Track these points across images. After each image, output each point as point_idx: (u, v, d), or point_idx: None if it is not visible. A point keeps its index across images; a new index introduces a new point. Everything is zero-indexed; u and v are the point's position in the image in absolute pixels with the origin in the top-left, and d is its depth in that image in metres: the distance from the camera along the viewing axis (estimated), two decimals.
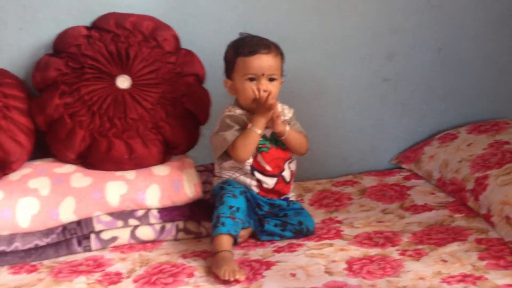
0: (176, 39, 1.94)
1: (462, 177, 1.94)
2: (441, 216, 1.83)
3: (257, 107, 1.68)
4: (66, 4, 1.93)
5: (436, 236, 1.68)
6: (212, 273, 1.52)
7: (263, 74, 1.68)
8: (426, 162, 2.15)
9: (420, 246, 1.62)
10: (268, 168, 1.72)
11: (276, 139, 1.75)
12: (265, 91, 1.67)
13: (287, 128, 1.74)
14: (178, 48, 1.94)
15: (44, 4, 1.91)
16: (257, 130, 1.67)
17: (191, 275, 1.52)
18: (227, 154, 1.72)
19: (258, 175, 1.72)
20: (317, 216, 1.91)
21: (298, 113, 2.13)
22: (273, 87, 1.69)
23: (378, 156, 2.33)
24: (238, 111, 1.73)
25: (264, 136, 1.73)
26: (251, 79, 1.69)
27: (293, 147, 1.78)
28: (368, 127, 2.30)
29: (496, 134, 2.08)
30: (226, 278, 1.45)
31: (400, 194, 2.03)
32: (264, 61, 1.68)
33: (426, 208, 1.90)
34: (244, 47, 1.70)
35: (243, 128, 1.70)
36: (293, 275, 1.49)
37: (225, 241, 1.56)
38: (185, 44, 1.99)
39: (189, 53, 1.95)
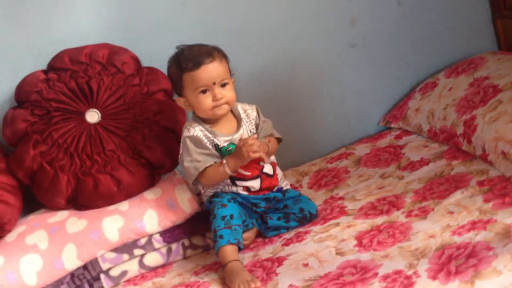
0: (135, 59, 1.91)
1: (450, 123, 1.92)
2: (439, 167, 1.81)
3: (238, 152, 1.59)
4: (18, 52, 1.90)
5: (438, 189, 1.66)
6: (226, 284, 1.50)
7: (214, 83, 1.62)
8: (413, 117, 2.13)
9: (424, 203, 1.60)
10: (246, 173, 1.68)
11: None
12: (249, 143, 1.57)
13: (269, 147, 1.68)
14: (139, 68, 1.90)
15: None
16: (230, 172, 1.61)
17: None
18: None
19: (240, 182, 1.69)
20: (319, 197, 1.89)
21: (277, 99, 2.12)
22: (227, 92, 1.65)
23: (365, 122, 2.31)
24: (197, 128, 1.67)
25: (234, 145, 1.68)
26: (204, 91, 1.63)
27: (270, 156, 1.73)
28: (349, 96, 2.28)
29: (475, 72, 2.06)
30: None
31: (394, 155, 2.00)
32: (211, 70, 1.61)
33: (423, 162, 1.88)
34: (186, 61, 1.62)
35: (204, 148, 1.66)
36: (306, 265, 1.47)
37: (229, 252, 1.54)
38: (148, 62, 1.96)
39: (151, 71, 1.91)
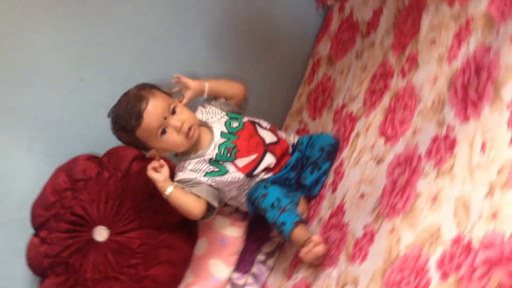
0: (90, 157, 1.82)
1: None
2: (392, 5, 1.66)
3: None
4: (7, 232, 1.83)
5: (407, 28, 1.52)
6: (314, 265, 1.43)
7: (165, 118, 1.52)
8: None
9: (407, 52, 1.47)
10: (253, 156, 1.59)
11: (232, 128, 1.62)
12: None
13: (206, 85, 1.64)
14: (100, 162, 1.82)
15: None
16: (165, 194, 1.55)
17: (308, 285, 1.44)
18: (216, 202, 1.59)
19: (257, 171, 1.59)
20: (326, 121, 1.79)
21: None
22: (182, 115, 1.54)
23: (306, 20, 2.16)
24: (183, 170, 1.60)
25: (223, 135, 1.60)
26: (163, 132, 1.53)
27: (225, 91, 1.66)
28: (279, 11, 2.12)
29: None
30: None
31: (351, 28, 1.87)
32: (154, 110, 1.50)
33: (377, 14, 1.73)
34: (127, 121, 1.52)
35: (190, 181, 1.58)
36: (362, 196, 1.38)
37: (299, 233, 1.46)
38: (104, 144, 1.84)
39: (110, 154, 1.82)
